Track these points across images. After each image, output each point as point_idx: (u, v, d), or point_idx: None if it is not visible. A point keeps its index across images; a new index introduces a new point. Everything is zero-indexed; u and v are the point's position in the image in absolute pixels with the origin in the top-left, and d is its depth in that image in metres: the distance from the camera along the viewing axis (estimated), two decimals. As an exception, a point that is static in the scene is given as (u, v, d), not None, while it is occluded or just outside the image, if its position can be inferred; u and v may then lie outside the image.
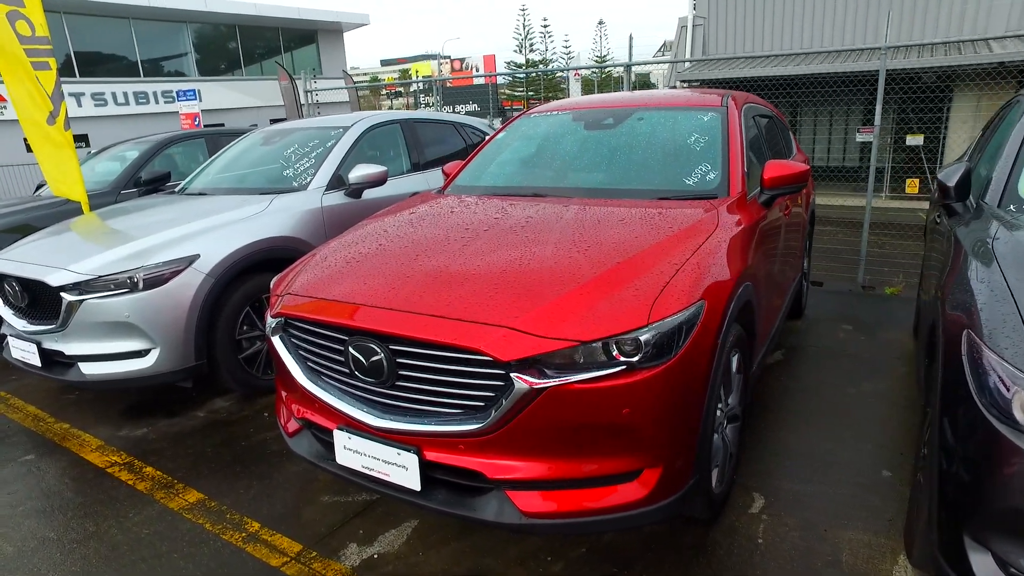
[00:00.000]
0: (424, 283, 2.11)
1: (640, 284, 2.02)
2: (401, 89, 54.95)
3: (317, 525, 2.58)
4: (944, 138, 12.10)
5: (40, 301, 3.43)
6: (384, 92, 51.02)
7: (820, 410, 3.42)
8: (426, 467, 2.03)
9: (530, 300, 1.96)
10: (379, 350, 2.01)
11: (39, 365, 3.45)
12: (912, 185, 12.61)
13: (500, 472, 1.95)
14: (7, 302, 3.64)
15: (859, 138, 12.48)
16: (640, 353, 1.86)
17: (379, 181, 4.28)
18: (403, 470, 2.05)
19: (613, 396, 1.86)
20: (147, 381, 3.36)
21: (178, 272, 3.34)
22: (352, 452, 2.16)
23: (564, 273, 2.08)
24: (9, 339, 3.61)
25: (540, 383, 1.83)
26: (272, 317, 2.36)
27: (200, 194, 4.39)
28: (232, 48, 21.19)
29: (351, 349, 2.07)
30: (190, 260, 3.38)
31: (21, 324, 3.50)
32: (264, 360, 3.79)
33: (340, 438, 2.17)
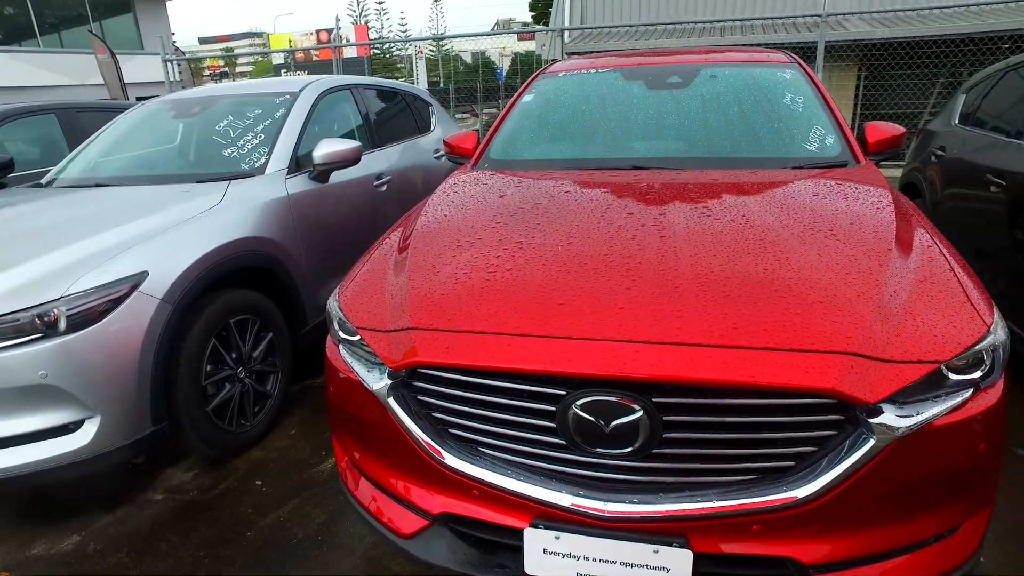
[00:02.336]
0: (667, 299, 1.43)
1: (933, 275, 1.53)
2: (226, 68, 49.63)
3: (442, 651, 1.79)
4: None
5: None
6: (207, 72, 45.68)
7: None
8: (698, 563, 1.37)
9: (846, 311, 1.37)
10: (638, 407, 1.30)
11: None
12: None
13: (817, 555, 1.36)
14: None
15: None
16: (981, 368, 1.37)
17: (351, 160, 3.36)
18: (660, 573, 1.37)
19: (971, 429, 1.35)
20: (82, 468, 2.23)
21: (119, 300, 2.25)
22: (561, 557, 1.42)
23: (846, 269, 1.52)
24: None
25: (903, 425, 1.26)
26: (393, 368, 1.51)
27: (97, 185, 3.13)
28: (19, 13, 17.28)
29: (577, 410, 1.33)
30: (135, 281, 2.29)
31: None
32: (237, 409, 2.77)
33: (538, 539, 1.43)
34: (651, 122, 2.68)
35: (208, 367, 2.59)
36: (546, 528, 1.42)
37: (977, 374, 1.36)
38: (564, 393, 1.35)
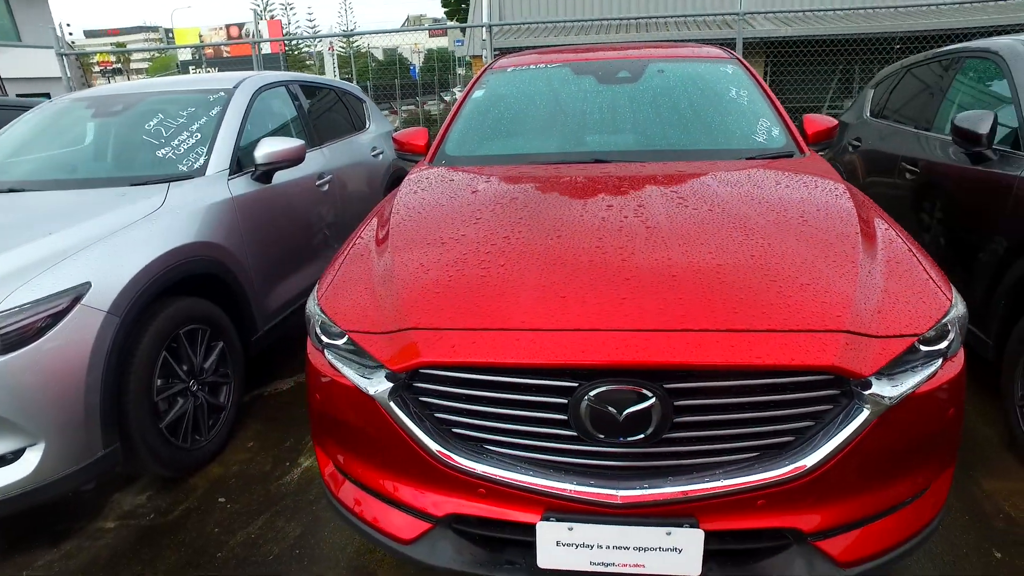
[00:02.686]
0: (667, 288, 1.47)
1: (896, 256, 1.66)
2: (119, 64, 46.24)
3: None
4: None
5: None
6: (98, 69, 42.32)
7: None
8: (707, 540, 1.43)
9: (832, 292, 1.47)
10: (650, 393, 1.33)
11: None
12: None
13: (815, 523, 1.45)
14: None
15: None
16: (947, 340, 1.51)
17: (295, 159, 3.23)
18: (672, 555, 1.42)
19: (941, 397, 1.48)
20: (26, 501, 2.03)
21: (59, 315, 2.06)
22: (574, 548, 1.45)
23: (823, 253, 1.62)
24: None
25: (891, 395, 1.37)
26: (395, 371, 1.47)
27: (10, 190, 2.84)
28: None
29: (591, 401, 1.35)
30: (76, 293, 2.11)
31: None
32: (191, 424, 2.61)
33: (551, 532, 1.44)
34: (607, 116, 2.74)
35: (159, 382, 2.43)
36: (558, 520, 1.44)
37: (944, 345, 1.50)
38: (576, 385, 1.36)
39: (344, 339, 1.63)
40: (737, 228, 1.73)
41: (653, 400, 1.34)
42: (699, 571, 1.42)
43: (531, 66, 3.16)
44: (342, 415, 1.63)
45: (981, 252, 2.73)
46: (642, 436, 1.37)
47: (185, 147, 3.04)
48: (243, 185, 3.07)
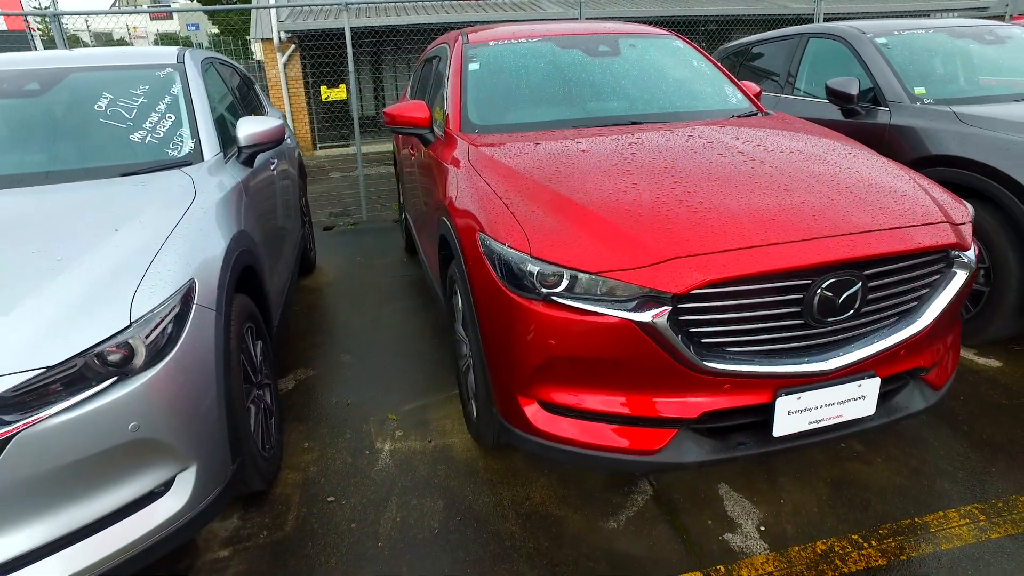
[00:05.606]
0: (834, 205, 1.92)
1: (896, 171, 2.32)
2: None
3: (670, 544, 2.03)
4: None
5: None
6: None
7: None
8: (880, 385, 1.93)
9: (922, 196, 2.04)
10: (857, 279, 1.77)
11: None
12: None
13: (928, 361, 2.04)
14: None
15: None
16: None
17: (277, 140, 3.00)
18: (860, 402, 1.90)
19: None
20: (182, 536, 1.76)
21: (182, 317, 1.80)
22: (797, 414, 1.84)
23: (883, 170, 2.20)
24: None
25: (972, 260, 1.99)
26: (676, 294, 1.69)
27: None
28: None
29: (823, 290, 1.75)
30: (186, 291, 1.85)
31: None
32: (264, 431, 2.38)
33: (785, 404, 1.82)
34: (614, 84, 3.08)
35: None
36: (788, 394, 1.82)
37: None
38: (810, 281, 1.74)
39: (563, 285, 1.78)
40: (820, 161, 2.23)
41: (860, 284, 1.78)
42: (873, 410, 1.92)
43: (513, 40, 3.33)
44: (587, 352, 1.77)
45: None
46: (852, 312, 1.81)
47: (163, 130, 2.64)
48: (238, 170, 2.77)
